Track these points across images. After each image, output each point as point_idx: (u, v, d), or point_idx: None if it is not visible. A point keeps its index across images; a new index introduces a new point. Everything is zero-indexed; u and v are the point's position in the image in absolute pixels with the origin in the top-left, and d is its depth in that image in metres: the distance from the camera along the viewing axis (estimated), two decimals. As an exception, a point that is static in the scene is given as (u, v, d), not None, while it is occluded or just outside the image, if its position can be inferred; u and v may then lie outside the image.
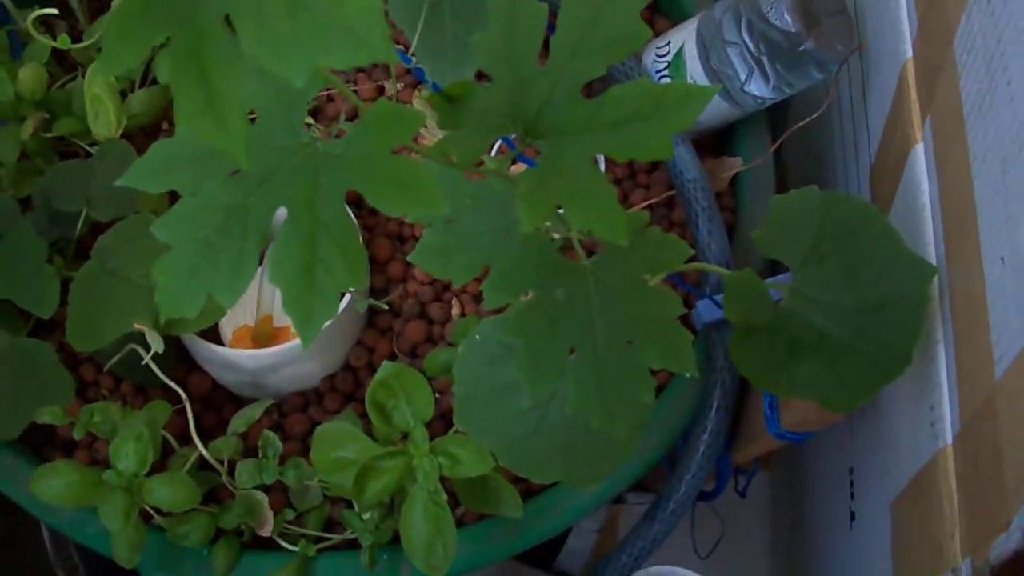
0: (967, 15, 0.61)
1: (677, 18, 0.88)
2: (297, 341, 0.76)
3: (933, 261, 0.64)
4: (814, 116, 0.82)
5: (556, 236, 0.53)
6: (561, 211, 0.45)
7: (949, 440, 0.61)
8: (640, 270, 0.53)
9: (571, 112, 0.46)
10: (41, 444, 0.81)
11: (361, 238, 0.70)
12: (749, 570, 1.16)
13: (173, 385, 0.76)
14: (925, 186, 0.67)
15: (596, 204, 0.44)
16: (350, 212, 0.78)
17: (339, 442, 0.70)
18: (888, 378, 0.62)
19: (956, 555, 0.59)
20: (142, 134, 0.88)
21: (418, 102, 0.74)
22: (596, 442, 0.60)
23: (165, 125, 0.90)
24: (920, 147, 0.69)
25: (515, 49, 0.46)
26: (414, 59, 0.63)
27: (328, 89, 0.86)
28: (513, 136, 0.47)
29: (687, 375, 0.63)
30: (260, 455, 0.74)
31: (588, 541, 0.95)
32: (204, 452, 0.74)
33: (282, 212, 0.41)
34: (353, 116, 0.82)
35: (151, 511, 0.74)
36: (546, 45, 0.48)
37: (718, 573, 0.93)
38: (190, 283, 0.41)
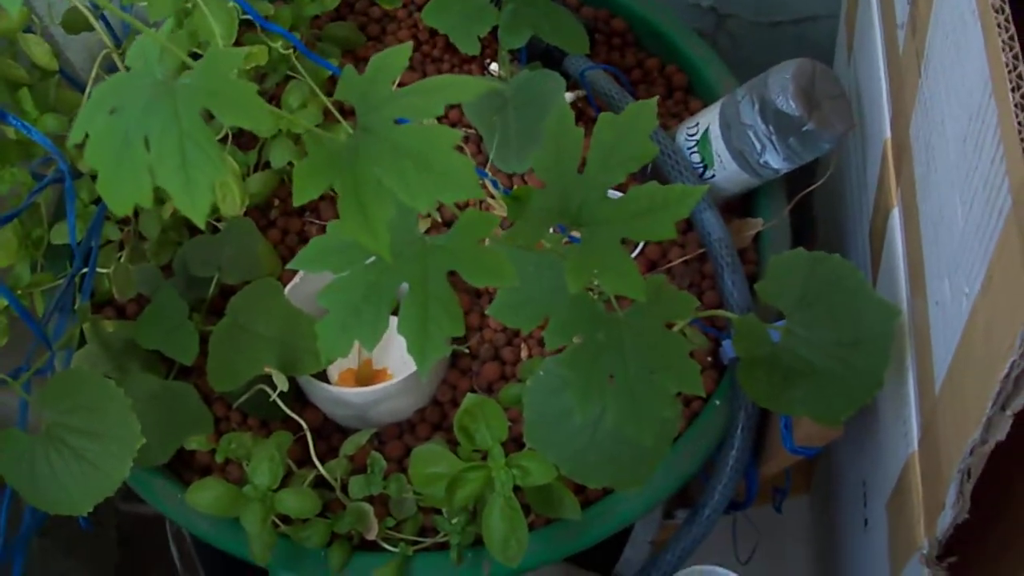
0: (915, 110, 0.84)
1: (708, 99, 1.13)
2: (395, 380, 1.00)
3: (904, 304, 0.87)
4: (818, 183, 1.05)
5: (598, 294, 0.77)
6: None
7: (915, 446, 0.83)
8: (660, 318, 0.76)
9: (601, 208, 0.70)
10: (181, 469, 1.06)
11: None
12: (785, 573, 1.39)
13: (295, 417, 1.00)
14: (899, 244, 0.90)
15: (621, 273, 0.68)
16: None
17: (432, 460, 0.94)
18: (865, 397, 0.85)
19: (921, 537, 0.81)
20: (257, 211, 1.14)
21: (495, 203, 0.98)
22: (634, 451, 0.83)
23: (276, 202, 1.15)
24: (896, 211, 0.92)
25: (561, 164, 0.71)
26: (489, 173, 0.87)
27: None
28: (562, 224, 0.72)
29: (717, 402, 0.87)
30: (368, 471, 0.98)
31: (643, 551, 1.17)
32: (322, 471, 0.98)
33: (404, 286, 0.65)
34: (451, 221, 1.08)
35: (278, 521, 0.98)
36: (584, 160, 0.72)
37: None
38: (342, 335, 0.65)
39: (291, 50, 1.08)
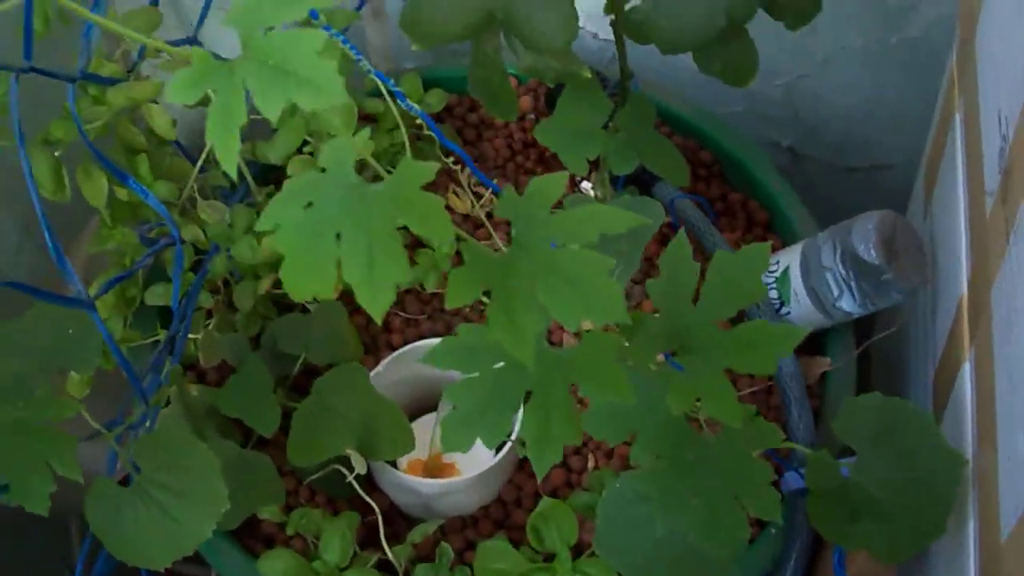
0: (999, 274, 0.91)
1: (786, 237, 1.20)
2: (467, 476, 1.06)
3: (969, 454, 0.93)
4: (890, 331, 1.12)
5: (689, 415, 0.83)
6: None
7: (970, 593, 0.89)
8: (747, 446, 0.83)
9: (710, 339, 0.77)
10: (244, 535, 1.11)
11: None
12: None
13: (368, 499, 1.06)
14: (968, 396, 0.96)
15: (724, 401, 0.75)
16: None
17: (498, 557, 1.00)
18: (927, 540, 0.91)
19: None
20: (345, 295, 1.21)
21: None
22: (702, 565, 0.89)
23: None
24: (967, 366, 0.98)
25: (675, 292, 0.78)
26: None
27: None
28: (671, 350, 0.78)
29: (772, 530, 0.92)
30: (436, 560, 1.04)
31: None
32: (389, 554, 1.04)
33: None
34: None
35: (340, 598, 1.03)
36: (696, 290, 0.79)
37: None
38: (465, 431, 0.72)
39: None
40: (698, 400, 0.76)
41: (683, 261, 0.79)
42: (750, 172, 1.29)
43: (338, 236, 0.59)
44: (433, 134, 1.17)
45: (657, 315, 0.78)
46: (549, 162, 1.33)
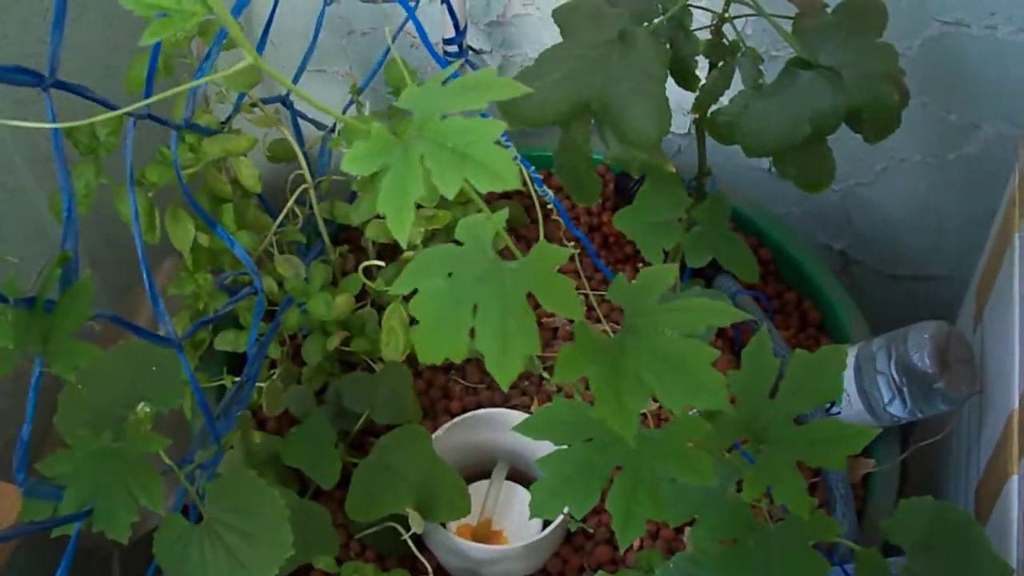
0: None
1: (837, 338, 1.25)
2: (518, 544, 1.11)
3: (1014, 563, 0.97)
4: (937, 438, 1.16)
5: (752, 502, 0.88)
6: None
7: None
8: (805, 537, 0.87)
9: (784, 432, 0.82)
10: (294, 587, 1.15)
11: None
12: None
13: (421, 558, 1.10)
14: (1015, 508, 1.01)
15: (793, 491, 0.79)
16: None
17: (546, 624, 1.04)
18: (967, 646, 0.95)
19: None
20: (408, 358, 1.26)
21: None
22: (751, 653, 0.93)
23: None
24: (1015, 479, 1.02)
25: (754, 384, 0.83)
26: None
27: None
28: (741, 439, 0.83)
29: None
30: (486, 623, 1.08)
31: None
32: (438, 613, 1.08)
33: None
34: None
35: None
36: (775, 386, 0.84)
37: None
38: (553, 500, 0.77)
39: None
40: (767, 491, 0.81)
41: (764, 355, 0.84)
42: (806, 273, 1.35)
43: (474, 308, 0.64)
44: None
45: (735, 405, 0.83)
46: (612, 247, 1.38)
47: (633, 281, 0.73)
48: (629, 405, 0.68)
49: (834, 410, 1.18)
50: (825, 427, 0.82)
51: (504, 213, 0.66)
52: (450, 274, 0.65)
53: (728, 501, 0.87)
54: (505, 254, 0.69)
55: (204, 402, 1.02)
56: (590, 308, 1.25)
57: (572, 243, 1.33)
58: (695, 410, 0.76)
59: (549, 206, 1.29)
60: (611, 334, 0.88)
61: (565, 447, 0.78)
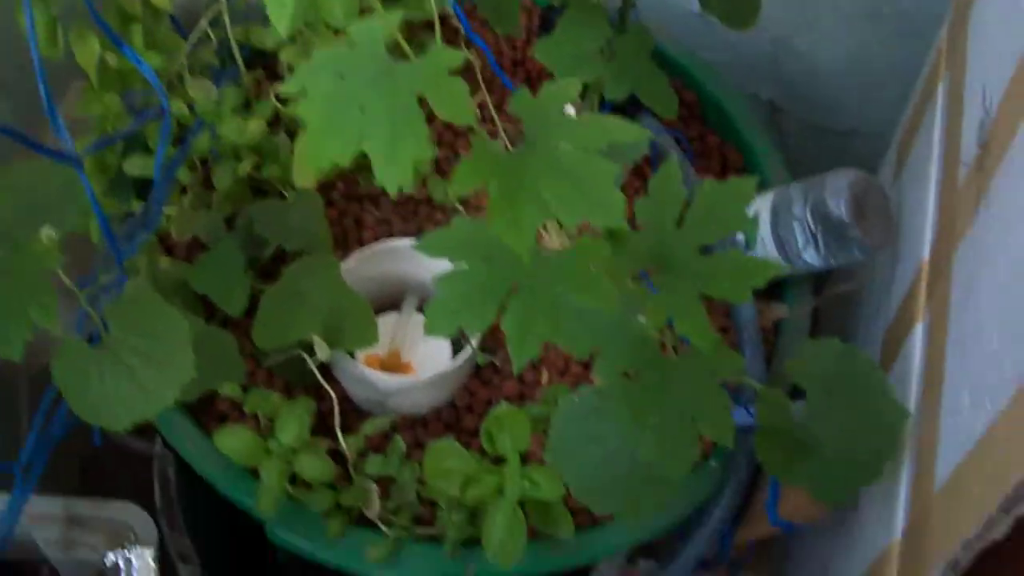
0: (963, 242, 0.96)
1: (760, 186, 1.24)
2: (425, 375, 1.10)
3: (912, 408, 0.98)
4: (850, 286, 1.17)
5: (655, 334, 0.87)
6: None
7: (898, 535, 0.94)
8: (709, 372, 0.87)
9: (689, 263, 0.81)
10: (198, 411, 1.14)
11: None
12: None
13: (327, 387, 1.09)
14: (917, 354, 1.01)
15: (697, 323, 0.79)
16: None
17: (449, 456, 1.04)
18: (863, 482, 0.96)
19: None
20: (321, 188, 1.24)
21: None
22: (647, 483, 0.93)
23: (339, 185, 1.25)
24: (920, 325, 1.03)
25: (660, 214, 0.81)
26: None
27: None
28: (647, 270, 0.82)
29: (713, 463, 0.97)
30: (387, 454, 1.07)
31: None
32: (342, 443, 1.07)
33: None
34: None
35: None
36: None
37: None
38: (449, 318, 0.75)
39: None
40: (669, 322, 0.80)
41: (672, 184, 0.82)
42: (730, 117, 1.33)
43: (362, 109, 0.62)
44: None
45: (640, 232, 0.81)
46: (535, 82, 1.36)
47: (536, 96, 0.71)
48: (525, 219, 0.66)
49: (747, 254, 1.17)
50: (730, 259, 0.81)
51: (399, 14, 0.64)
52: (342, 77, 0.63)
53: (631, 332, 0.86)
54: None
55: (106, 223, 1.00)
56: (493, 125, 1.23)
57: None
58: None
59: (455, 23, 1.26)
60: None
61: (464, 266, 0.77)
